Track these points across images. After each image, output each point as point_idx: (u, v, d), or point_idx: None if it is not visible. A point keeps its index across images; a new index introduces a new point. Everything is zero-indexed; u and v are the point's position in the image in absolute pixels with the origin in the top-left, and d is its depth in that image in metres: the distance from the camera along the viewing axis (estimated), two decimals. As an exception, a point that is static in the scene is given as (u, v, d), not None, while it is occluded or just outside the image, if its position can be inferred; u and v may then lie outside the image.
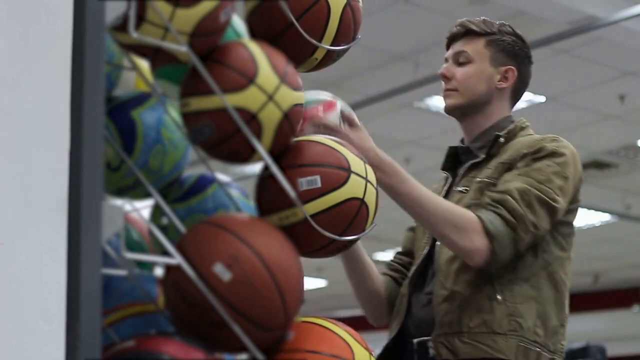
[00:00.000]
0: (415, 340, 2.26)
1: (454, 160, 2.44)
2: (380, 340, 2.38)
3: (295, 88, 1.63)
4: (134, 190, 1.75)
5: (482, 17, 2.42)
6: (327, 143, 1.74)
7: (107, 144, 1.61)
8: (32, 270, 1.25)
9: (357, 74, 7.68)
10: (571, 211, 2.29)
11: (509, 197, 2.16)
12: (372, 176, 1.76)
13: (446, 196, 2.35)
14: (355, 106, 8.48)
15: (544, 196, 2.18)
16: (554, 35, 6.32)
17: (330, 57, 1.86)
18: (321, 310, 14.96)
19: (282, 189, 1.63)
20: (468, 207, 2.20)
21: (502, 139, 2.31)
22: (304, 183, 1.67)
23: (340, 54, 1.88)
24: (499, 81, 2.36)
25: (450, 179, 2.41)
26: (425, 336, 2.24)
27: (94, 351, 1.26)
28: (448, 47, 2.42)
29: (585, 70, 7.48)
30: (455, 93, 2.35)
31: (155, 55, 1.57)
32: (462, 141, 2.44)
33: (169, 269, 1.49)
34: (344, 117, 2.04)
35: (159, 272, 1.60)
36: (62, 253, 1.27)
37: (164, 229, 1.74)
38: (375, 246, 12.07)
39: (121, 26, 1.44)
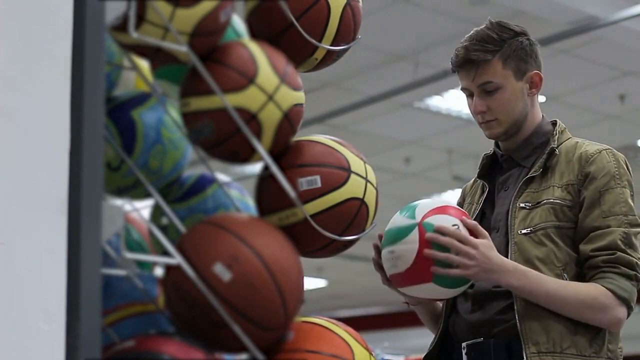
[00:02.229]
0: (464, 343, 2.26)
1: (490, 168, 2.42)
2: (380, 340, 2.38)
3: (295, 88, 1.63)
4: (134, 190, 1.75)
5: (474, 33, 2.33)
6: (327, 143, 1.74)
7: (107, 144, 1.61)
8: (32, 270, 1.25)
9: (357, 74, 7.68)
10: None
11: (619, 253, 2.18)
12: (372, 176, 1.76)
13: (485, 205, 2.35)
14: (355, 106, 8.49)
15: (635, 229, 2.22)
16: (554, 35, 6.32)
17: (330, 57, 1.86)
18: (321, 310, 14.96)
19: (282, 189, 1.63)
20: (547, 235, 2.21)
21: (557, 151, 2.30)
22: (304, 183, 1.67)
23: (340, 54, 1.88)
24: (529, 89, 2.33)
25: (487, 188, 2.38)
26: (475, 338, 2.24)
27: (94, 351, 1.26)
28: (454, 72, 2.35)
29: (585, 70, 7.49)
30: (495, 123, 2.31)
31: (155, 55, 1.57)
32: (497, 147, 2.40)
33: (169, 269, 1.49)
34: (470, 228, 2.10)
35: (159, 272, 1.60)
36: (62, 253, 1.27)
37: (164, 229, 1.74)
38: (375, 246, 12.06)
39: (121, 26, 1.44)
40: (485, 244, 2.10)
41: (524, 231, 2.23)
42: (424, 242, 2.05)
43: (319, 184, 1.68)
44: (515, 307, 2.20)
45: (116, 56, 1.71)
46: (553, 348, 2.18)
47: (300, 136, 1.75)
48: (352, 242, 1.75)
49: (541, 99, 8.74)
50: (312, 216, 1.66)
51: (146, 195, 1.76)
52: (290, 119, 1.61)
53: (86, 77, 1.32)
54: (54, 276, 1.26)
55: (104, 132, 1.37)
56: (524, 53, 2.32)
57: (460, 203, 2.47)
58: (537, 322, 2.19)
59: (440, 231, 2.06)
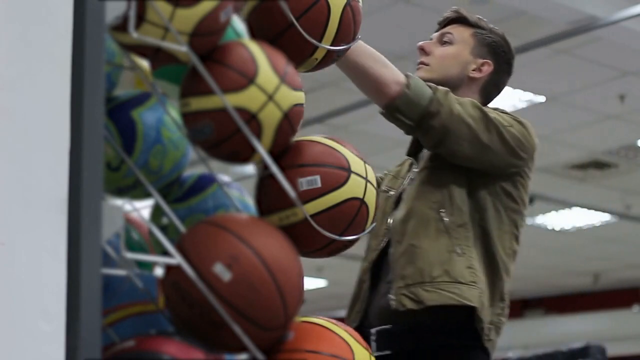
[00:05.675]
0: (373, 330, 2.25)
1: (419, 146, 2.47)
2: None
3: (295, 88, 1.63)
4: (134, 190, 1.75)
5: (480, 16, 2.48)
6: (327, 143, 1.74)
7: (107, 144, 1.61)
8: (32, 270, 1.25)
9: (357, 74, 7.65)
10: (516, 184, 2.32)
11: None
12: (372, 176, 1.76)
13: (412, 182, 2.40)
14: (355, 106, 8.50)
15: (488, 114, 2.25)
16: (554, 35, 6.31)
17: (330, 57, 1.86)
18: (321, 310, 14.94)
19: (282, 189, 1.63)
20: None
21: None
22: (304, 183, 1.67)
23: (340, 54, 1.88)
24: (473, 70, 2.41)
25: (415, 164, 2.44)
26: (385, 324, 2.23)
27: (94, 351, 1.26)
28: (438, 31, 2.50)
29: (585, 70, 7.48)
30: (426, 67, 2.40)
31: (155, 55, 1.56)
32: None
33: (169, 269, 1.49)
34: None
35: (159, 272, 1.60)
36: (62, 253, 1.27)
37: (164, 229, 1.74)
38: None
39: (121, 26, 1.44)
40: None
41: None
42: None
43: (319, 184, 1.68)
44: (390, 250, 2.20)
45: (116, 56, 1.71)
46: (421, 278, 2.15)
47: (300, 136, 1.75)
48: (352, 242, 1.75)
49: (541, 99, 8.69)
50: (312, 216, 1.66)
51: (146, 195, 1.75)
52: (290, 119, 1.61)
53: (86, 77, 1.32)
54: (54, 276, 1.26)
55: (104, 132, 1.37)
56: (495, 47, 2.44)
57: None
58: (405, 256, 2.19)
59: None
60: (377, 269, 2.33)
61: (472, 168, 2.26)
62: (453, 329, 2.18)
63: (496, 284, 2.24)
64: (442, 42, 2.43)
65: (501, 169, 2.28)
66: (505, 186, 2.29)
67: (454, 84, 2.35)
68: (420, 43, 2.43)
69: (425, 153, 2.37)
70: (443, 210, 2.21)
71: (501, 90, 2.48)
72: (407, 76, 2.20)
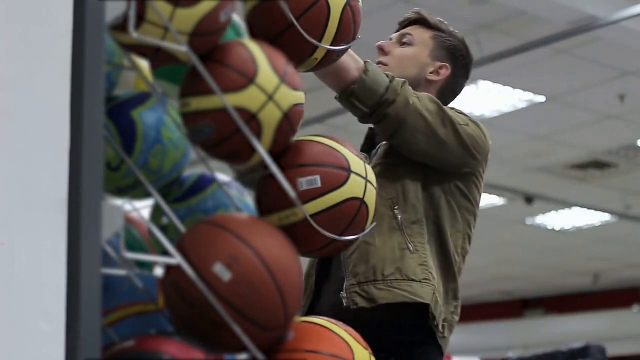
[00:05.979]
0: None
1: (372, 143, 2.47)
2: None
3: (295, 88, 1.63)
4: (134, 190, 1.75)
5: (441, 19, 2.49)
6: (327, 143, 1.74)
7: (107, 144, 1.61)
8: (32, 270, 1.25)
9: (357, 74, 7.65)
10: (470, 184, 2.32)
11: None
12: (372, 176, 1.76)
13: None
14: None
15: (444, 109, 2.24)
16: (554, 35, 6.31)
17: (330, 57, 1.86)
18: (321, 310, 14.87)
19: (282, 189, 1.63)
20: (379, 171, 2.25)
21: None
22: (304, 183, 1.67)
23: (340, 54, 1.88)
24: (430, 73, 2.41)
25: (368, 161, 2.43)
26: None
27: (94, 351, 1.26)
28: (398, 30, 2.52)
29: (585, 70, 7.48)
30: (384, 67, 2.39)
31: (155, 55, 1.56)
32: None
33: (169, 269, 1.49)
34: None
35: (159, 272, 1.60)
36: (62, 253, 1.27)
37: (164, 229, 1.74)
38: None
39: (121, 26, 1.44)
40: None
41: None
42: None
43: (319, 184, 1.68)
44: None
45: (116, 56, 1.71)
46: (374, 276, 2.14)
47: (300, 136, 1.75)
48: (352, 242, 1.75)
49: (541, 99, 8.67)
50: (312, 216, 1.66)
51: (146, 195, 1.75)
52: (290, 119, 1.61)
53: (86, 77, 1.32)
54: (54, 276, 1.26)
55: (104, 132, 1.37)
56: (455, 51, 2.44)
57: None
58: (358, 253, 2.18)
59: None
60: (327, 263, 2.32)
61: (427, 165, 2.26)
62: (407, 326, 2.18)
63: (450, 281, 2.25)
64: (402, 42, 2.43)
65: (456, 167, 2.29)
66: (460, 185, 2.30)
67: (411, 86, 2.33)
68: (379, 43, 2.44)
69: (380, 150, 2.36)
70: (397, 208, 2.21)
71: (458, 94, 2.49)
72: (365, 62, 2.20)
